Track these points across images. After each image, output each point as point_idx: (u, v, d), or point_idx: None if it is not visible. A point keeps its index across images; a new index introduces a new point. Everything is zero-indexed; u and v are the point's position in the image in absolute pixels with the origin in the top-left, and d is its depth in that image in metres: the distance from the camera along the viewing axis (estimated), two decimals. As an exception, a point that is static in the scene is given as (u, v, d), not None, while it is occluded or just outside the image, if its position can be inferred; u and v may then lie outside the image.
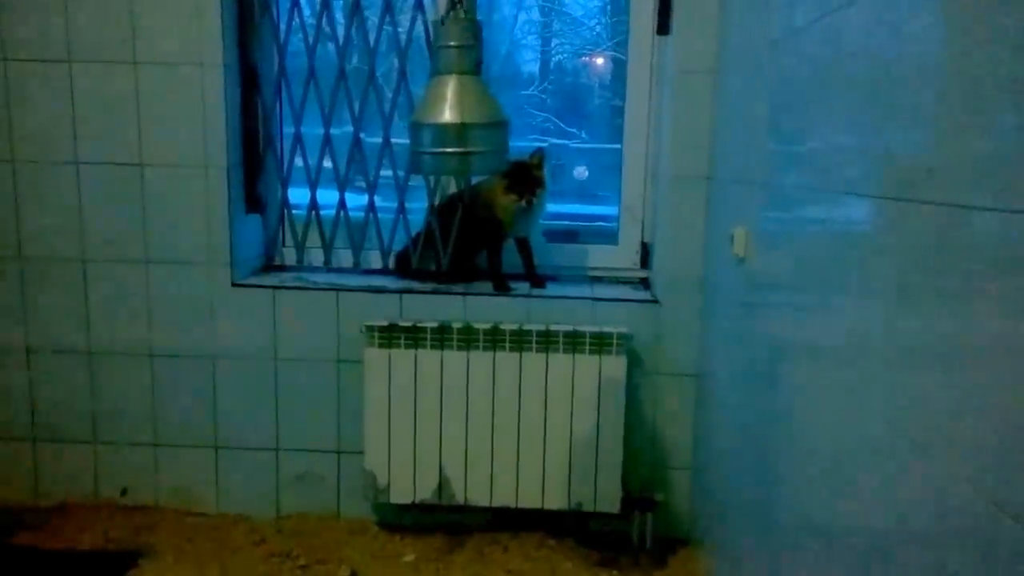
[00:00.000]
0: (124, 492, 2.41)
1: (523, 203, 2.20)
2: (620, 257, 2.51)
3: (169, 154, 2.24)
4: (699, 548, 2.20)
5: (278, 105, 2.38)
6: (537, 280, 2.37)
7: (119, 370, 2.34)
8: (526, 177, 2.21)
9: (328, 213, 2.42)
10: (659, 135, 2.35)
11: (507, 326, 2.18)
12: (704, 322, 2.20)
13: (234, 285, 2.30)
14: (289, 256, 2.50)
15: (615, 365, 2.17)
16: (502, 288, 2.31)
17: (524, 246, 2.39)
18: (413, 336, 2.20)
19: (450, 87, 1.56)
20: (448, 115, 1.53)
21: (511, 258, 2.41)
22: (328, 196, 2.42)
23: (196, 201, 2.26)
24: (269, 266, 2.51)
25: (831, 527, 1.19)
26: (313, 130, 2.38)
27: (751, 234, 1.67)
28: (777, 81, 1.56)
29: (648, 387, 2.28)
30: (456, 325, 2.19)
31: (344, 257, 2.48)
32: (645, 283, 2.48)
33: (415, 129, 1.63)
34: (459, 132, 1.54)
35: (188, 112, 2.21)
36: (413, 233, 2.42)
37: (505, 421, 2.21)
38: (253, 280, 2.36)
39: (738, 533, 1.90)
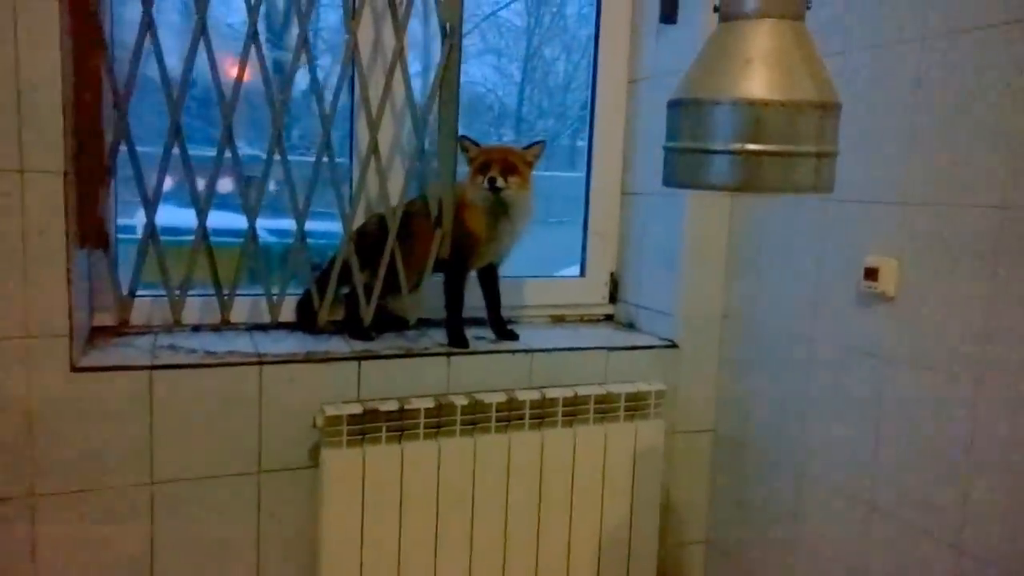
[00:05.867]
0: None
1: (485, 183, 1.62)
2: (587, 292, 2.07)
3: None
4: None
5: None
6: (505, 329, 1.79)
7: None
8: (504, 159, 1.64)
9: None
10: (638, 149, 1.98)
11: (525, 395, 1.60)
12: (730, 368, 1.85)
13: (75, 370, 1.36)
14: (139, 313, 1.59)
15: (652, 430, 1.72)
16: (461, 343, 1.69)
17: (490, 278, 1.79)
18: (399, 423, 1.50)
19: (766, 40, 0.86)
20: (773, 88, 0.83)
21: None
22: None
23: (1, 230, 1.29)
24: (99, 329, 1.58)
25: None
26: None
27: (905, 266, 1.36)
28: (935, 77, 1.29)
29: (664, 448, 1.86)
30: (460, 402, 1.55)
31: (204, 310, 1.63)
32: (610, 320, 2.08)
33: (691, 110, 0.89)
34: (800, 118, 0.83)
35: (-14, 75, 1.26)
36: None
37: (522, 526, 1.61)
38: (103, 358, 1.43)
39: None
